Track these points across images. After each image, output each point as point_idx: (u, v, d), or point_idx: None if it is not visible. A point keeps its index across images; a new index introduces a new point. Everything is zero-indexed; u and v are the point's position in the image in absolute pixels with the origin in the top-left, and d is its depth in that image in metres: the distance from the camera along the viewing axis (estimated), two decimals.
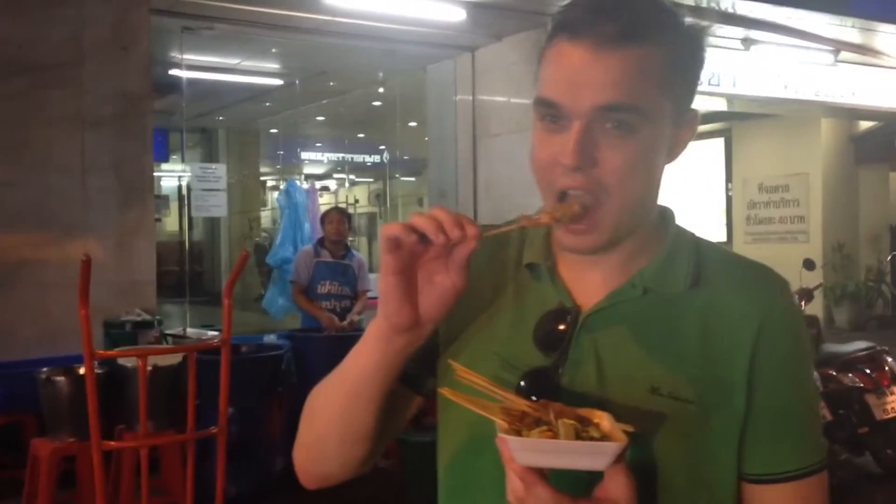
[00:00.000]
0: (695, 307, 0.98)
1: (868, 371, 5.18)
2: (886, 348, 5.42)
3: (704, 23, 1.00)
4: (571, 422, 0.83)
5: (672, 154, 1.00)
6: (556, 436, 0.82)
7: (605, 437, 0.82)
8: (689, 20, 0.97)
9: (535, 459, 0.81)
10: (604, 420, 0.84)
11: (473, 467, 1.02)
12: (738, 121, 13.26)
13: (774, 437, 0.98)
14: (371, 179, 18.07)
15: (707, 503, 0.97)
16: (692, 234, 1.06)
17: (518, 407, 0.86)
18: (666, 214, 1.06)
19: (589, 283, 1.01)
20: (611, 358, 0.97)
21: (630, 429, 0.82)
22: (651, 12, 0.93)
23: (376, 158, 15.09)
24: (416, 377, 1.06)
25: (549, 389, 0.96)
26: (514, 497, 0.83)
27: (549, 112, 0.94)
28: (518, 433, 0.82)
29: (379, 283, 0.91)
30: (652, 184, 0.98)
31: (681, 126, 0.98)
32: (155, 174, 9.44)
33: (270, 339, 5.77)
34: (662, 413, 0.94)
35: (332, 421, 1.02)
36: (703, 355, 0.96)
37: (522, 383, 0.97)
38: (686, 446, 0.95)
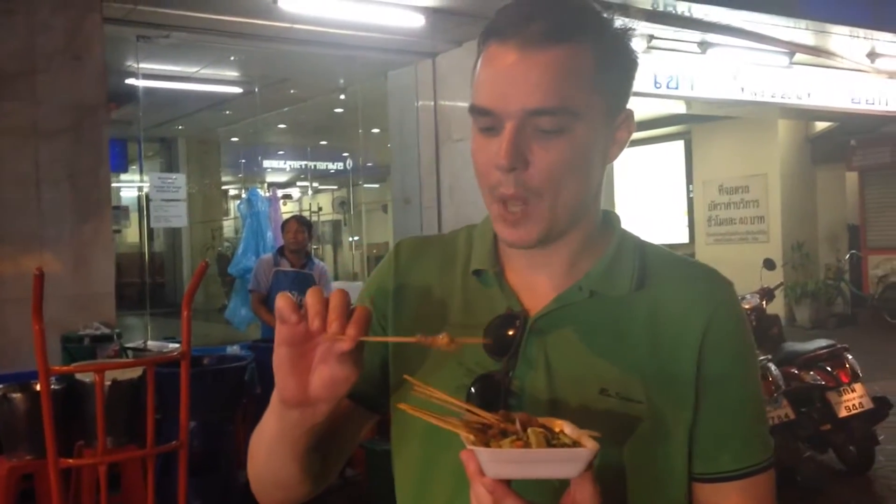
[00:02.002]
0: (641, 309, 1.00)
1: (829, 369, 5.25)
2: (847, 346, 5.50)
3: (633, 23, 1.00)
4: (541, 430, 0.82)
5: (609, 154, 1.00)
6: (526, 445, 0.80)
7: (574, 444, 0.81)
8: (618, 20, 0.97)
9: (507, 471, 0.79)
10: (566, 427, 0.83)
11: (429, 479, 1.02)
12: (697, 123, 13.43)
13: (722, 435, 0.99)
14: (335, 187, 18.03)
15: (660, 500, 0.98)
16: (637, 237, 1.07)
17: (480, 419, 0.85)
18: (610, 218, 1.07)
19: (536, 287, 1.02)
20: (560, 361, 0.98)
21: (597, 434, 0.81)
22: (578, 12, 0.94)
23: (339, 165, 15.07)
24: (371, 397, 1.06)
25: (499, 394, 0.96)
26: None
27: (484, 118, 0.94)
28: (486, 445, 0.80)
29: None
30: (588, 183, 0.98)
31: (616, 126, 0.99)
32: (114, 185, 9.30)
33: (233, 350, 5.70)
34: (612, 414, 0.95)
35: (261, 466, 1.03)
36: (650, 356, 0.97)
37: (473, 389, 0.97)
38: (637, 447, 0.95)
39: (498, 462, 0.79)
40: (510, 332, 0.98)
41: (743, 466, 0.99)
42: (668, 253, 1.07)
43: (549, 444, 0.81)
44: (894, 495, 5.06)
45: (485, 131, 0.94)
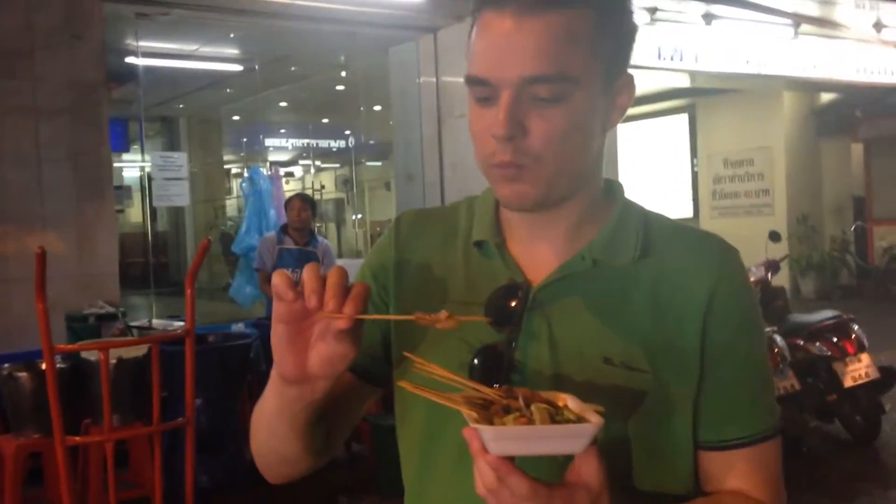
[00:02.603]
0: (645, 278, 0.98)
1: (835, 339, 5.24)
2: (852, 317, 5.49)
3: None
4: (545, 406, 0.81)
5: (609, 120, 0.98)
6: (530, 422, 0.79)
7: (579, 419, 0.79)
8: None
9: (511, 448, 0.78)
10: (570, 401, 0.82)
11: (432, 452, 1.01)
12: (701, 96, 13.35)
13: (729, 403, 0.98)
14: (337, 165, 17.99)
15: (665, 472, 0.97)
16: (640, 206, 1.05)
17: (482, 395, 0.83)
18: (613, 187, 1.06)
19: (538, 257, 1.00)
20: (563, 331, 0.97)
21: (601, 408, 0.80)
22: None
23: (341, 143, 15.01)
24: (373, 372, 1.06)
25: (502, 365, 0.95)
26: (485, 490, 0.79)
27: (480, 88, 0.92)
28: (489, 422, 0.79)
29: None
30: (588, 149, 0.96)
31: (616, 92, 0.97)
32: (116, 165, 9.29)
33: (238, 328, 5.71)
34: (616, 384, 0.94)
35: (263, 441, 1.03)
36: (654, 325, 0.96)
37: (476, 361, 0.96)
38: (642, 417, 0.94)
39: (501, 440, 0.77)
40: (512, 303, 0.97)
41: (749, 434, 0.98)
42: (671, 221, 1.06)
43: (553, 420, 0.79)
44: None
45: (481, 101, 0.93)
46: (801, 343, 5.22)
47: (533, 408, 0.80)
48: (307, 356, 0.88)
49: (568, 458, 0.81)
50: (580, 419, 0.79)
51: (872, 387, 5.18)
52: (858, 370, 5.15)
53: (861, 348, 5.24)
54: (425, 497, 1.04)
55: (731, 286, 0.98)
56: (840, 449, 5.31)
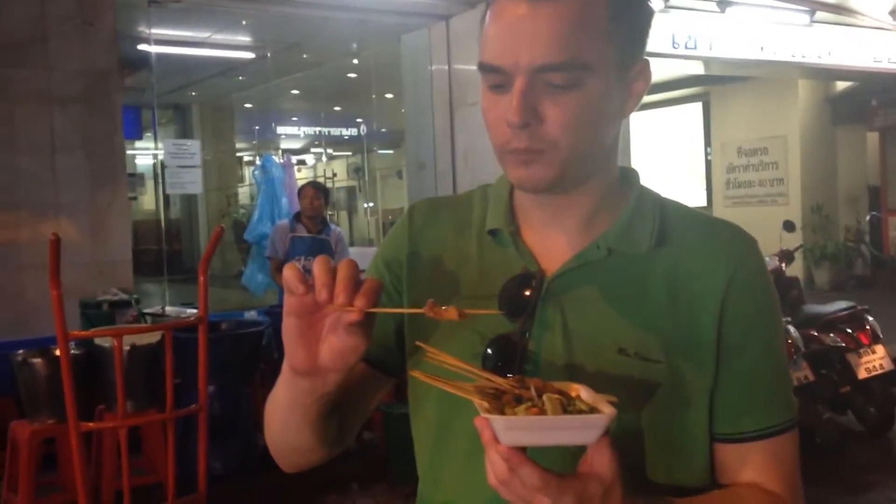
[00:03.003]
0: (661, 267, 0.97)
1: (849, 330, 5.21)
2: (867, 307, 5.45)
3: None
4: (557, 396, 0.80)
5: (626, 107, 0.96)
6: (542, 412, 0.78)
7: (591, 410, 0.79)
8: None
9: (522, 438, 0.77)
10: (582, 392, 0.81)
11: (445, 440, 1.01)
12: (715, 85, 13.25)
13: (745, 396, 0.97)
14: (349, 153, 17.98)
15: (680, 464, 0.96)
16: (656, 194, 1.04)
17: (494, 385, 0.83)
18: (629, 174, 1.04)
19: (553, 246, 0.99)
20: (577, 320, 0.96)
21: (614, 399, 0.79)
22: None
23: (353, 131, 14.98)
24: (386, 362, 1.05)
25: (515, 355, 0.94)
26: (497, 480, 0.78)
27: (493, 75, 0.91)
28: (501, 412, 0.78)
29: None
30: (603, 136, 0.95)
31: (631, 79, 0.95)
32: (129, 152, 9.31)
33: (251, 315, 5.73)
34: (630, 374, 0.92)
35: (276, 432, 1.03)
36: (670, 315, 0.95)
37: (489, 350, 0.95)
38: (656, 409, 0.93)
39: (513, 430, 0.77)
40: (526, 293, 0.96)
41: (766, 427, 0.97)
42: (688, 209, 1.04)
43: (565, 411, 0.78)
44: None
45: (495, 88, 0.92)
46: (815, 334, 5.19)
47: (545, 398, 0.79)
48: (318, 349, 0.88)
49: (580, 449, 0.80)
50: (593, 410, 0.78)
51: (887, 378, 5.15)
52: (872, 361, 5.12)
53: (875, 339, 5.21)
54: (438, 486, 1.03)
55: (749, 275, 0.97)
56: (853, 440, 5.28)
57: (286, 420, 0.98)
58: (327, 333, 0.88)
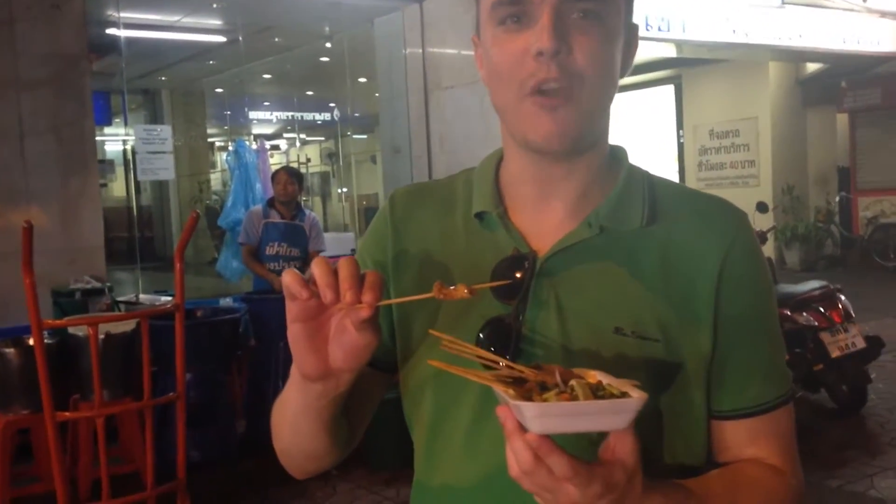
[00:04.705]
0: (654, 244, 0.96)
1: (822, 310, 5.26)
2: (839, 287, 5.51)
3: None
4: (584, 381, 0.78)
5: (625, 63, 0.97)
6: (573, 398, 0.76)
7: (622, 395, 0.77)
8: None
9: (555, 425, 0.75)
10: (602, 377, 0.80)
11: (439, 437, 1.00)
12: (687, 67, 13.32)
13: (743, 371, 0.96)
14: (322, 138, 17.84)
15: (679, 442, 0.96)
16: (644, 171, 1.03)
17: (513, 373, 0.81)
18: (618, 152, 1.03)
19: (543, 226, 0.98)
20: (571, 301, 0.94)
21: (637, 383, 0.77)
22: None
23: (327, 116, 14.86)
24: (387, 362, 1.04)
25: (510, 337, 0.93)
26: (519, 471, 0.75)
27: (512, 11, 0.90)
28: (528, 400, 0.75)
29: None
30: (615, 82, 0.95)
31: (632, 33, 0.97)
32: (98, 138, 9.17)
33: (227, 302, 5.68)
34: (628, 353, 0.91)
35: (288, 440, 1.02)
36: (665, 292, 0.94)
37: (482, 334, 0.94)
38: (655, 386, 0.91)
39: (545, 416, 0.74)
40: (518, 275, 0.94)
41: (766, 401, 0.97)
42: (678, 186, 1.04)
43: (596, 396, 0.77)
44: (886, 433, 5.12)
45: (511, 22, 0.90)
46: (789, 313, 5.23)
47: (573, 383, 0.77)
48: (328, 352, 0.86)
49: (600, 437, 0.78)
50: (623, 395, 0.77)
51: (859, 356, 5.22)
52: (845, 340, 5.18)
53: (848, 318, 5.28)
54: (435, 472, 1.01)
55: (743, 249, 0.96)
56: (826, 418, 5.36)
57: (299, 426, 0.97)
58: (335, 334, 0.86)
